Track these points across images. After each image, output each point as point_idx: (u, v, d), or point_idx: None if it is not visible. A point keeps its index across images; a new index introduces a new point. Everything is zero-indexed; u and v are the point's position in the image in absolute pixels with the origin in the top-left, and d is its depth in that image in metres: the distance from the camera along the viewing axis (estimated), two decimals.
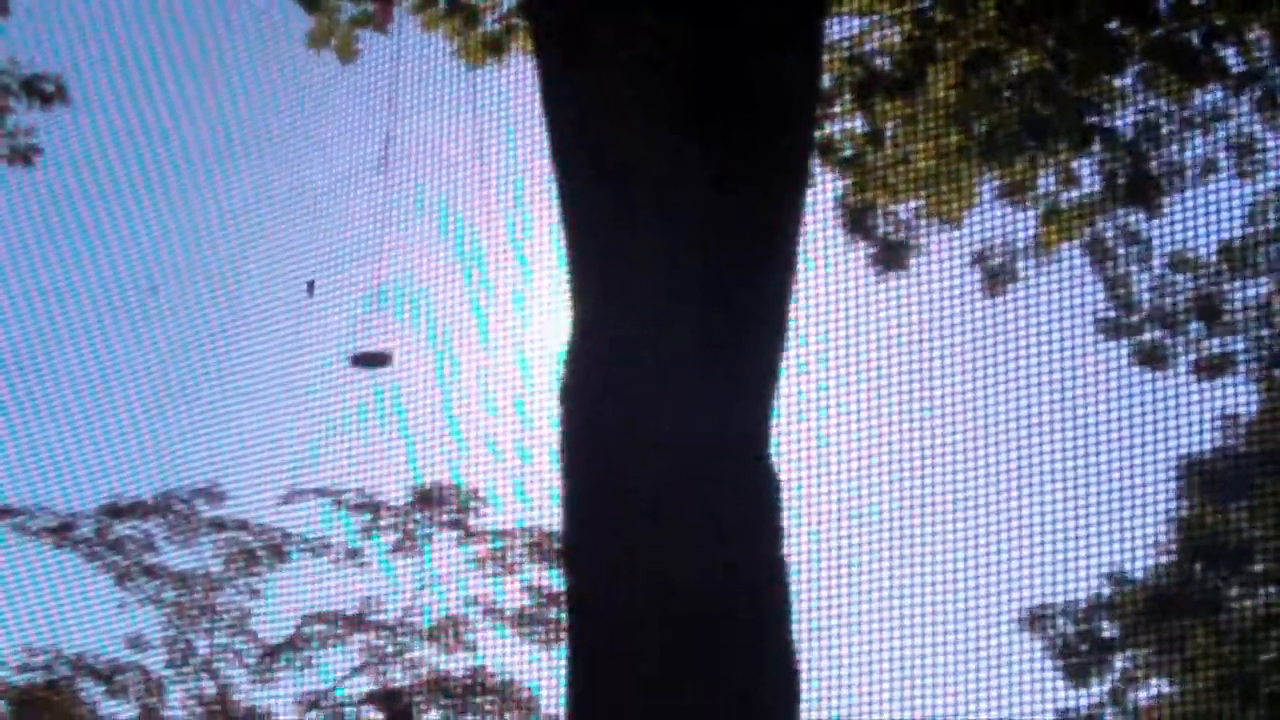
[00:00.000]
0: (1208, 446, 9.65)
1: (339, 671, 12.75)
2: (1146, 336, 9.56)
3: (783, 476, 6.27)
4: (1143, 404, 9.54)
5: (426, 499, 12.40)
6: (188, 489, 12.63)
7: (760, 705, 6.36)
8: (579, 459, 6.27)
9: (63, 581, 12.95)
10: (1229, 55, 9.06)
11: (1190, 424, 9.44)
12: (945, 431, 10.05)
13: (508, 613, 12.40)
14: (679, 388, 6.09)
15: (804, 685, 6.51)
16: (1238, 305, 9.56)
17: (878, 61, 9.42)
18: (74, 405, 12.65)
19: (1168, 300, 9.57)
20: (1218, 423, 9.65)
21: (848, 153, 9.56)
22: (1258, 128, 9.28)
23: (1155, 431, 9.52)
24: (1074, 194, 9.51)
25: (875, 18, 9.35)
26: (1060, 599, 10.60)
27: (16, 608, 13.10)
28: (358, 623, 12.63)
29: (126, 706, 13.05)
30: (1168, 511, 9.88)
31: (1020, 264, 9.59)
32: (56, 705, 12.82)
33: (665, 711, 6.15)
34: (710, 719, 6.13)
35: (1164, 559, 10.18)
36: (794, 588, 6.40)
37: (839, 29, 9.29)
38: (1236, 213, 9.44)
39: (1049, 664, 10.91)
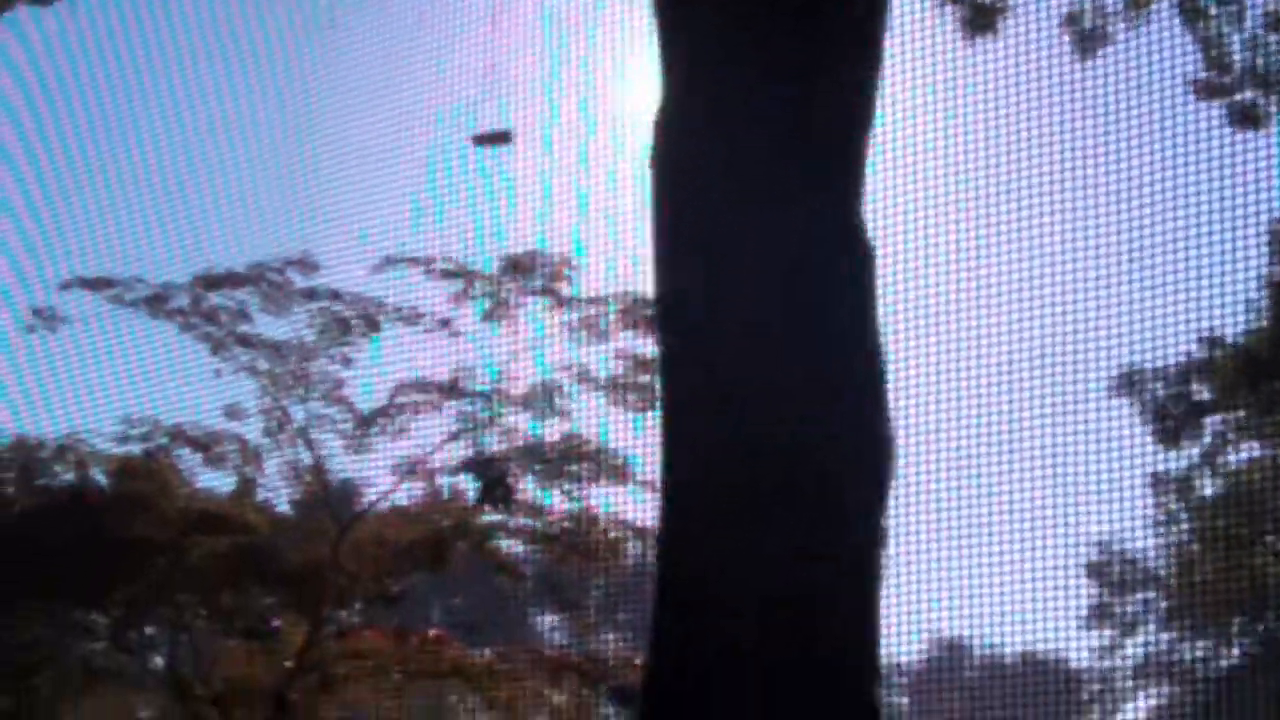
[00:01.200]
0: None
1: (433, 439, 13.20)
2: (1241, 97, 9.72)
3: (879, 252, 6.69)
4: (1237, 165, 9.77)
5: (518, 266, 12.71)
6: (281, 259, 13.03)
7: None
8: (668, 220, 6.71)
9: (159, 353, 13.47)
10: None
11: None
12: (1039, 198, 10.33)
13: (600, 379, 12.75)
14: (766, 163, 6.49)
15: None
16: None
17: None
18: (169, 177, 13.12)
19: (1262, 60, 9.70)
20: None
21: None
22: None
23: (1251, 192, 9.76)
24: None
25: None
26: (1154, 363, 10.91)
27: (114, 380, 13.68)
28: (451, 391, 12.97)
29: (224, 475, 13.56)
30: (1261, 274, 10.13)
31: (1113, 26, 9.74)
32: (156, 475, 13.34)
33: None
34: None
35: (1258, 321, 10.44)
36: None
37: None
38: None
39: (1142, 428, 11.26)
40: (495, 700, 12.99)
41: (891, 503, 6.90)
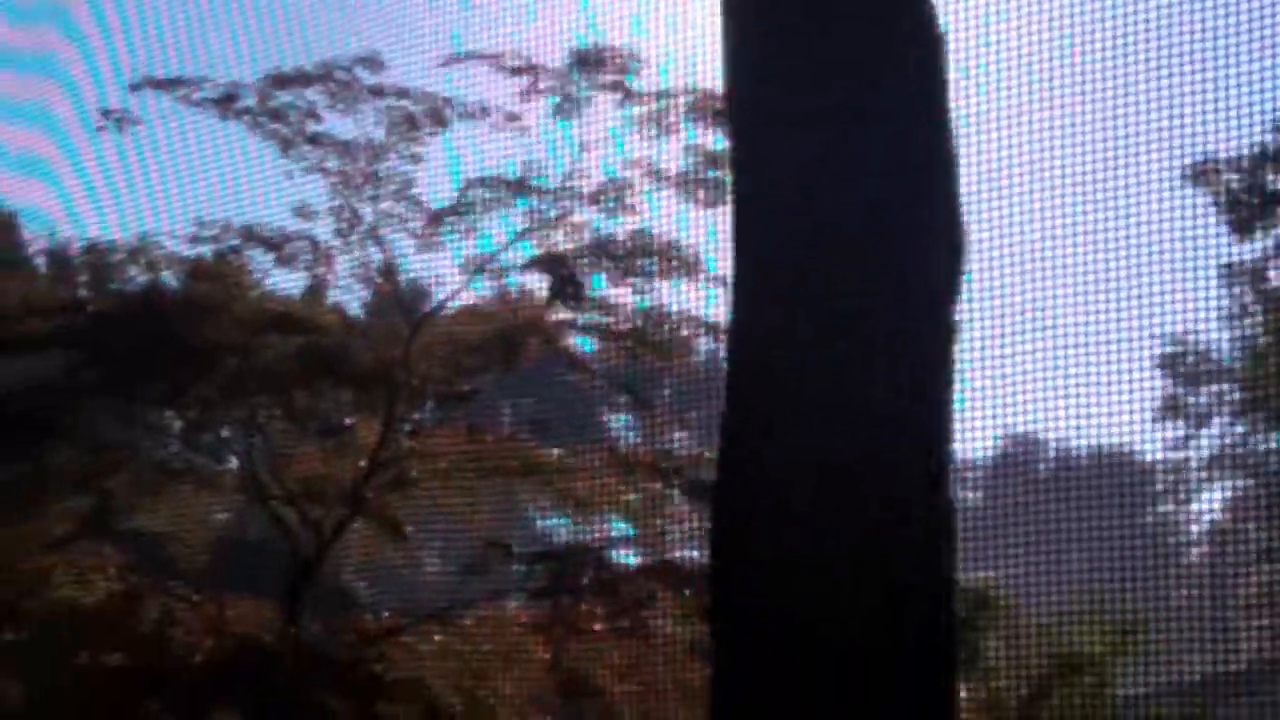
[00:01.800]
0: None
1: (502, 237, 13.40)
2: None
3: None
4: None
5: (586, 61, 12.82)
6: (348, 57, 13.18)
7: None
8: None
9: (229, 153, 13.71)
10: None
11: None
12: None
13: (670, 174, 12.91)
14: None
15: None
16: None
17: None
18: None
19: None
20: None
21: None
22: None
23: None
24: None
25: None
26: (1228, 152, 10.99)
27: (185, 181, 13.94)
28: (520, 187, 13.14)
29: (295, 275, 13.81)
30: None
31: None
32: (227, 276, 13.60)
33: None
34: None
35: None
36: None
37: None
38: None
39: (1215, 218, 11.35)
40: (567, 498, 13.30)
41: (963, 296, 7.11)
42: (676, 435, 13.33)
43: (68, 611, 13.17)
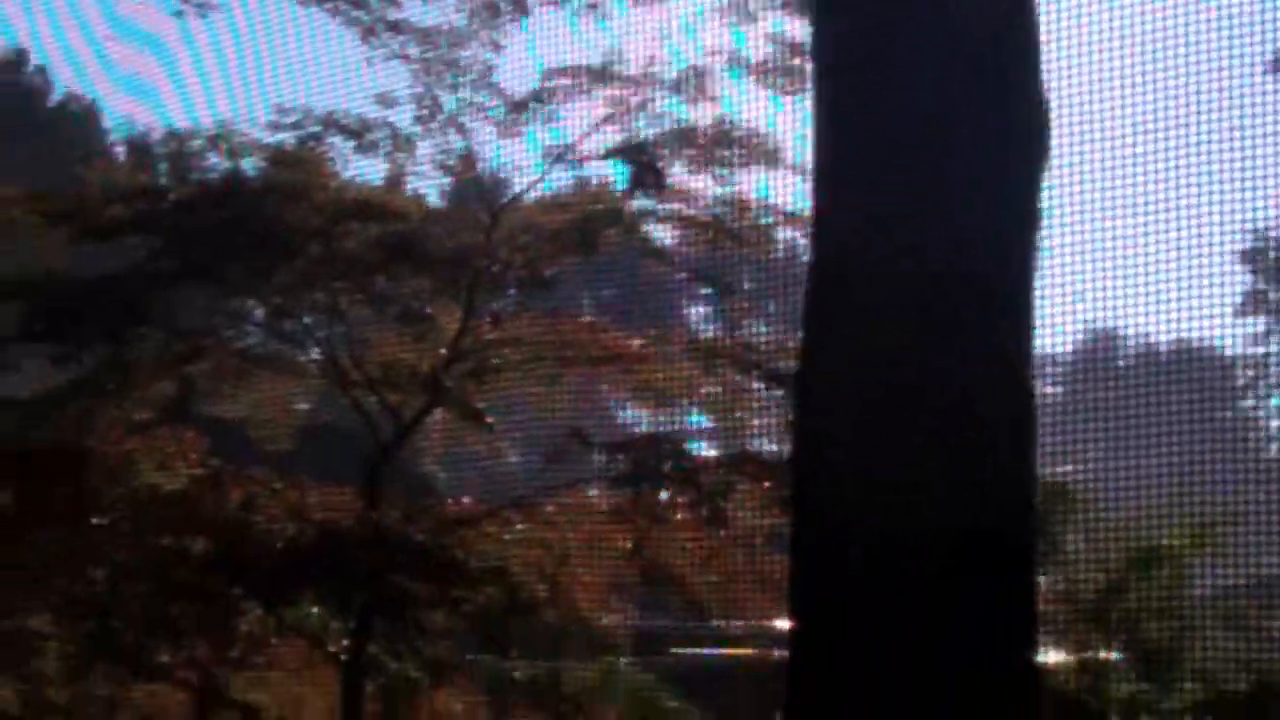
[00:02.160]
0: None
1: (583, 125, 13.48)
2: None
3: None
4: None
5: None
6: None
7: None
8: None
9: (310, 40, 13.82)
10: None
11: None
12: None
13: (751, 63, 12.96)
14: None
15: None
16: None
17: None
18: None
19: None
20: None
21: None
22: None
23: None
24: None
25: None
26: None
27: (266, 68, 14.07)
28: (600, 75, 13.22)
29: (376, 162, 13.94)
30: None
31: None
32: (308, 163, 13.73)
33: None
34: None
35: None
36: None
37: None
38: None
39: None
40: (647, 387, 13.45)
41: (1046, 187, 7.20)
42: (756, 325, 13.43)
43: (151, 497, 13.42)
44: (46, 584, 13.51)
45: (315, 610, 13.63)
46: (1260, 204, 10.93)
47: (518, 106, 13.32)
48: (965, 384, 7.31)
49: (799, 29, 12.45)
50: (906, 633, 7.33)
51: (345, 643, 13.34)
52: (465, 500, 13.71)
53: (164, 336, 13.64)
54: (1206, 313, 11.45)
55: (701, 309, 15.03)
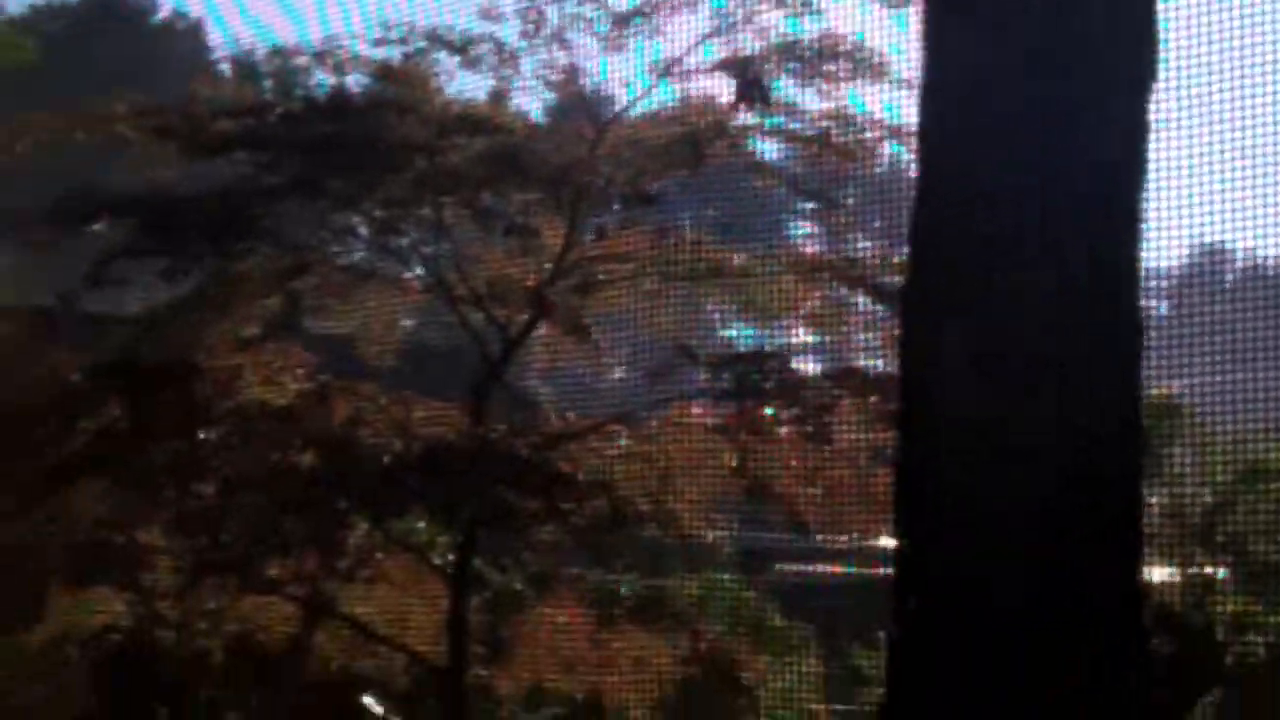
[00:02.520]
0: None
1: (689, 39, 13.49)
2: None
3: None
4: None
5: None
6: None
7: None
8: None
9: None
10: None
11: None
12: None
13: None
14: None
15: None
16: None
17: None
18: None
19: None
20: None
21: None
22: None
23: None
24: None
25: None
26: None
27: None
28: None
29: (481, 78, 14.01)
30: None
31: None
32: (413, 78, 13.83)
33: None
34: None
35: None
36: None
37: None
38: None
39: None
40: (751, 302, 13.51)
41: (1151, 103, 7.21)
42: (860, 240, 13.46)
43: (259, 412, 13.61)
44: (156, 498, 13.74)
45: (421, 524, 13.82)
46: None
47: (622, 20, 13.34)
48: (1072, 298, 7.36)
49: None
50: (1012, 551, 7.41)
51: (451, 557, 13.54)
52: (569, 416, 13.82)
53: (271, 252, 13.80)
54: None
55: (806, 224, 15.05)
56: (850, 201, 13.42)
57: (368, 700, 11.74)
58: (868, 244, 13.34)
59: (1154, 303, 12.90)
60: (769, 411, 12.87)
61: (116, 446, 13.44)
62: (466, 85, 14.01)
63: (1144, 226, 7.70)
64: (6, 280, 16.93)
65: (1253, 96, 11.14)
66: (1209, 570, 12.50)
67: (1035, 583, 7.35)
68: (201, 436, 13.57)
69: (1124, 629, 7.47)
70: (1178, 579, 12.33)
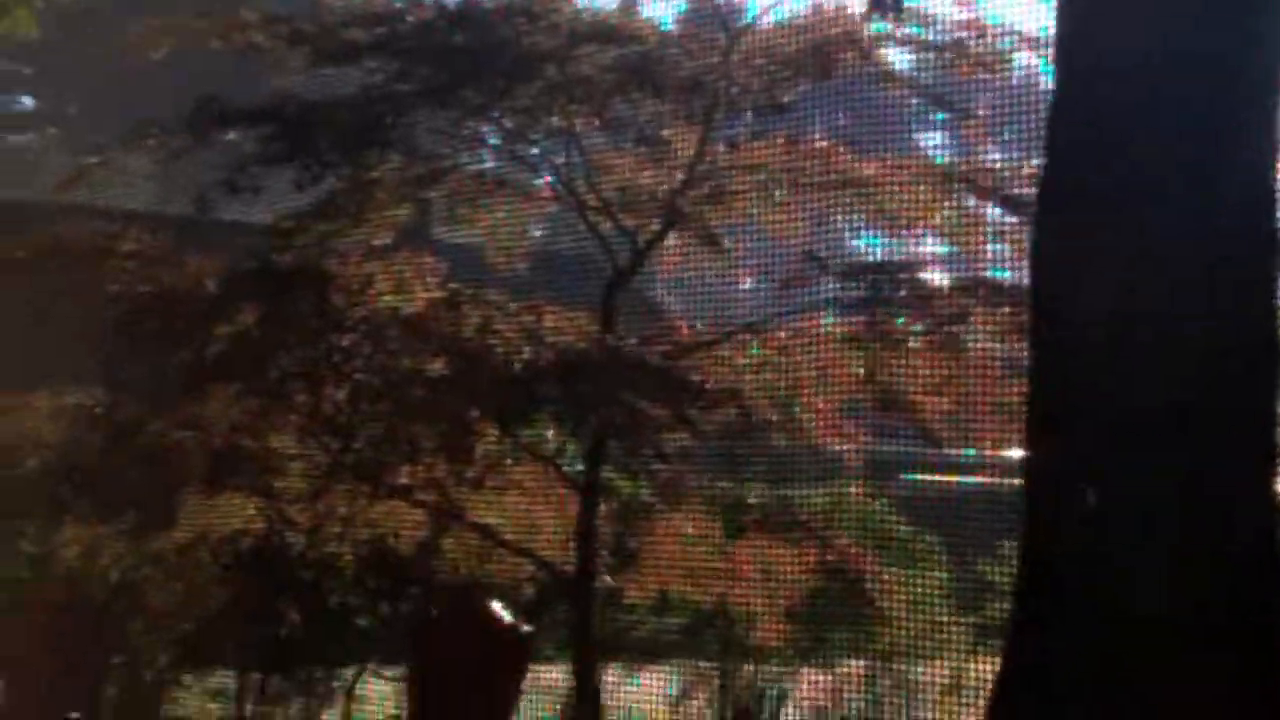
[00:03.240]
0: None
1: None
2: None
3: None
4: None
5: None
6: None
7: None
8: None
9: None
10: None
11: None
12: None
13: None
14: None
15: None
16: None
17: None
18: None
19: None
20: None
21: None
22: None
23: None
24: None
25: None
26: None
27: None
28: None
29: None
30: None
31: None
32: None
33: None
34: None
35: None
36: None
37: None
38: None
39: None
40: (882, 213, 13.56)
41: None
42: (992, 151, 13.47)
43: (390, 319, 13.83)
44: (289, 404, 14.00)
45: (550, 433, 14.01)
46: None
47: None
48: (1211, 216, 7.43)
49: None
50: (1146, 458, 7.52)
51: (580, 465, 13.72)
52: (699, 325, 13.94)
53: (402, 160, 13.99)
54: None
55: (937, 134, 15.07)
56: (982, 112, 13.40)
57: (496, 606, 11.91)
58: (999, 155, 13.34)
59: None
60: (899, 322, 12.94)
61: (250, 353, 13.69)
62: None
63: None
64: (144, 188, 17.22)
65: None
66: None
67: (1168, 488, 7.46)
68: (334, 343, 13.78)
69: (1255, 536, 7.57)
70: None
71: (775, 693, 15.99)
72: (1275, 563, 7.52)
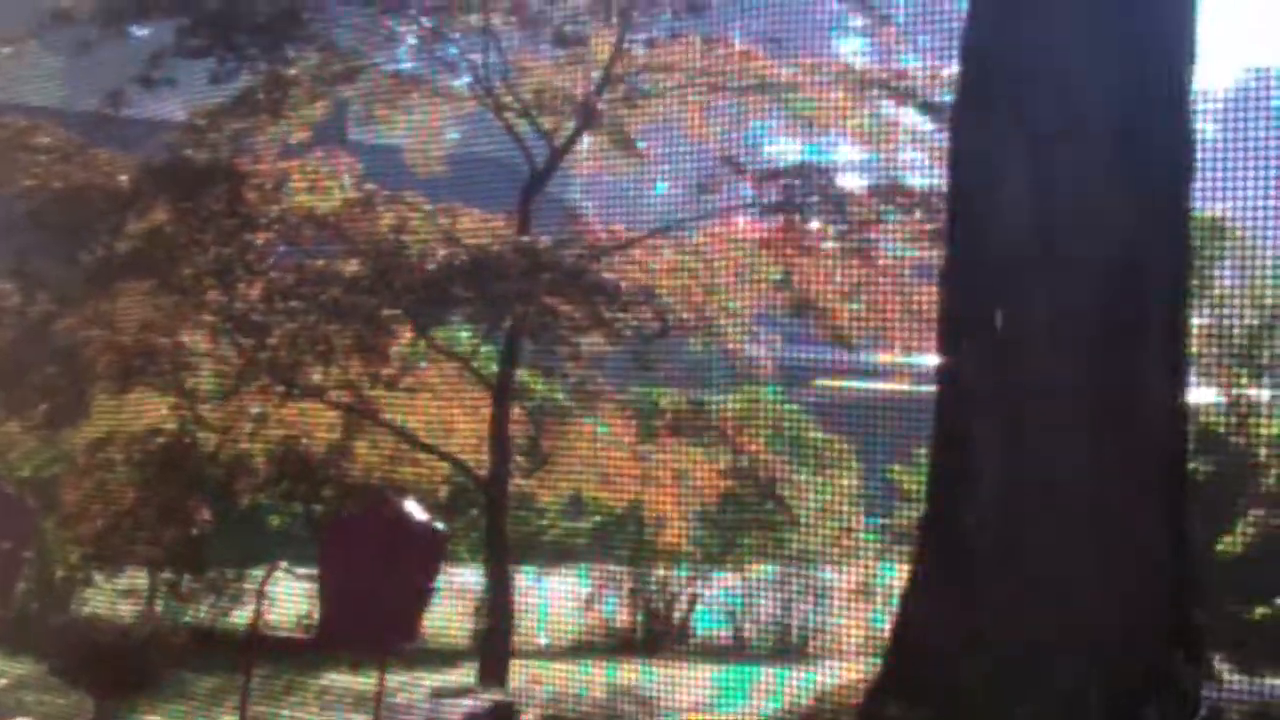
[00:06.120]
0: None
1: None
2: None
3: None
4: None
5: None
6: None
7: None
8: None
9: None
10: None
11: None
12: None
13: None
14: None
15: None
16: None
17: None
18: None
19: None
20: None
21: None
22: None
23: None
24: None
25: None
26: None
27: None
28: None
29: None
30: None
31: None
32: None
33: None
34: None
35: None
36: None
37: None
38: None
39: None
40: (799, 116, 13.50)
41: None
42: (910, 56, 13.41)
43: (305, 218, 13.73)
44: (202, 302, 13.89)
45: (465, 333, 13.95)
46: None
47: None
48: (1126, 112, 7.45)
49: None
50: (1058, 361, 7.56)
51: (494, 366, 13.68)
52: (614, 227, 13.89)
53: (320, 57, 13.83)
54: None
55: (855, 39, 15.00)
56: (900, 17, 13.34)
57: (410, 506, 11.88)
58: (917, 60, 13.29)
59: (1204, 125, 12.90)
60: (814, 226, 12.91)
61: (163, 249, 13.57)
62: None
63: (1196, 44, 7.78)
64: (55, 82, 16.99)
65: None
66: (1251, 392, 12.58)
67: (1081, 394, 7.51)
68: (248, 241, 13.67)
69: (1167, 443, 7.63)
70: (1221, 400, 12.41)
71: (686, 596, 16.09)
72: (1184, 476, 7.59)
